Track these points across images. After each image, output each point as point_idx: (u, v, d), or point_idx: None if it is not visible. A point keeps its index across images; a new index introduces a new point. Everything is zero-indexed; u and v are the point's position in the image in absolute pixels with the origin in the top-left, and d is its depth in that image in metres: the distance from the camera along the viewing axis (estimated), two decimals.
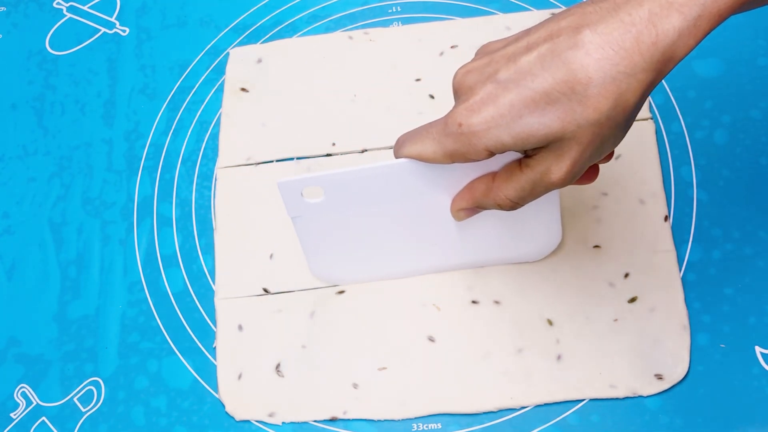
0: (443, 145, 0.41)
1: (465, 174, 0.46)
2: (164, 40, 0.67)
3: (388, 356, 0.55)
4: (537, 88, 0.38)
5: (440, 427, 0.53)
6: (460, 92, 0.41)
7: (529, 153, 0.41)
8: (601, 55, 0.37)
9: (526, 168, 0.42)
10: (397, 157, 0.45)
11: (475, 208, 0.47)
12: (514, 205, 0.44)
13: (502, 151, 0.40)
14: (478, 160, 0.41)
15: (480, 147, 0.40)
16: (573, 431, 0.52)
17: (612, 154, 0.43)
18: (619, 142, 0.40)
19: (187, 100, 0.64)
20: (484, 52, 0.42)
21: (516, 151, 0.41)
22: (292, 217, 0.50)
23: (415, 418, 0.53)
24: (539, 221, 0.52)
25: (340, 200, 0.48)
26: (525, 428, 0.52)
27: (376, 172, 0.46)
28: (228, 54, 0.65)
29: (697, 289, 0.54)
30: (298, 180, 0.46)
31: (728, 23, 0.60)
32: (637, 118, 0.58)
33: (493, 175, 0.45)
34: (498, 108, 0.39)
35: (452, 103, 0.60)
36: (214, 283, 0.58)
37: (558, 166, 0.40)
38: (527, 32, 0.40)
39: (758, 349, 0.52)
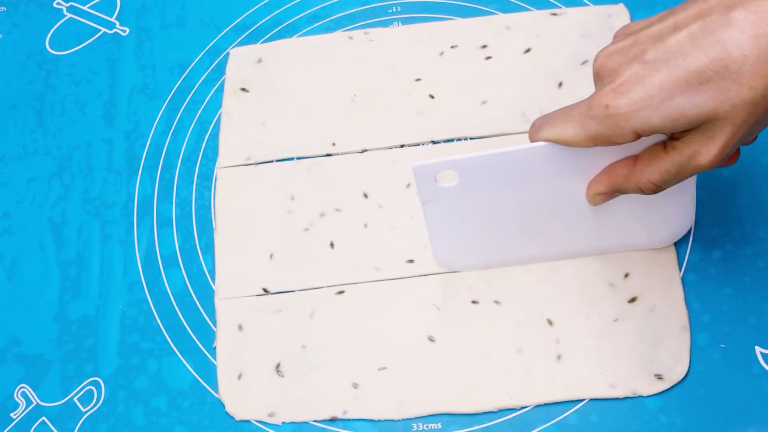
0: (587, 128, 0.41)
1: (603, 157, 0.45)
2: (164, 40, 0.67)
3: (388, 356, 0.55)
4: (689, 68, 0.37)
5: (440, 426, 0.53)
6: (603, 74, 0.40)
7: (675, 135, 0.40)
8: (756, 32, 0.36)
9: (672, 150, 0.41)
10: (533, 140, 0.44)
11: (613, 193, 0.46)
12: (656, 189, 0.43)
13: (650, 134, 0.39)
14: (622, 144, 0.40)
15: (627, 129, 0.39)
16: (573, 431, 0.52)
17: (756, 136, 0.42)
18: None
19: (187, 100, 0.64)
20: (625, 33, 0.41)
21: (663, 134, 0.41)
22: (423, 202, 0.49)
23: (415, 417, 0.53)
24: (674, 205, 0.51)
25: (474, 184, 0.48)
26: (525, 428, 0.52)
27: (513, 156, 0.45)
28: (228, 54, 0.65)
29: (697, 288, 0.54)
30: (433, 164, 0.46)
31: None
32: None
33: (633, 159, 0.44)
34: (647, 89, 0.38)
35: (451, 102, 0.61)
36: (214, 283, 0.58)
37: (708, 148, 0.39)
38: (672, 12, 0.39)
39: (758, 349, 0.52)
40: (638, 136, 0.40)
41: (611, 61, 0.40)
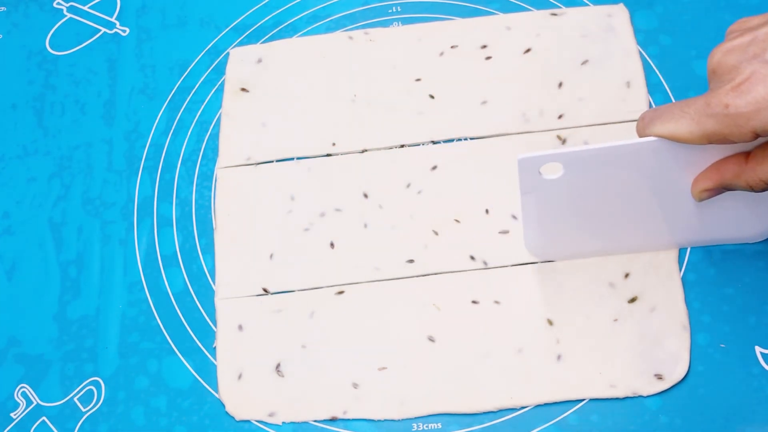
0: (703, 126, 0.40)
1: (713, 154, 0.45)
2: (164, 40, 0.67)
3: (388, 356, 0.54)
4: None
5: (440, 426, 0.53)
6: (720, 72, 0.40)
7: None
8: None
9: None
10: (643, 134, 0.44)
11: (721, 189, 0.46)
12: (767, 187, 0.43)
13: None
14: (739, 143, 0.40)
15: (747, 129, 0.38)
16: (573, 431, 0.52)
17: None
18: None
19: (188, 100, 0.64)
20: (741, 29, 0.41)
21: None
22: (523, 193, 0.49)
23: (415, 417, 0.53)
24: None
25: (578, 177, 0.47)
26: (525, 428, 0.52)
27: (621, 151, 0.45)
28: (228, 54, 0.65)
29: (697, 288, 0.54)
30: (539, 156, 0.45)
31: (728, 23, 0.60)
32: (637, 117, 0.58)
33: (745, 155, 0.43)
34: None
35: (452, 102, 0.60)
36: (214, 283, 0.58)
37: None
38: None
39: (758, 349, 0.52)
40: (757, 136, 0.39)
41: (730, 59, 0.39)
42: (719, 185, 0.45)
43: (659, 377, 0.52)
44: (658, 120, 0.42)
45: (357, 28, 0.65)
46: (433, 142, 0.60)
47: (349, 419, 0.53)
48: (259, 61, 0.64)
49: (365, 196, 0.59)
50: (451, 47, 0.63)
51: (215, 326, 0.57)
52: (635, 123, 0.57)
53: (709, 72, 0.41)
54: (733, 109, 0.38)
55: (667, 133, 0.42)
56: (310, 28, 0.66)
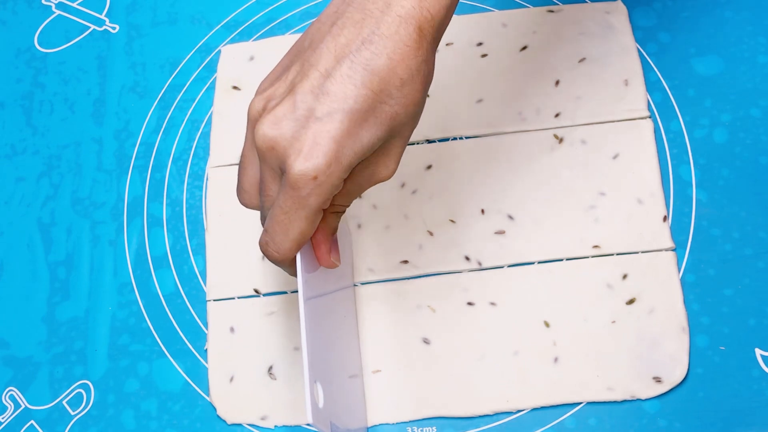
0: (311, 205, 0.40)
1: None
2: (155, 37, 0.66)
3: (382, 358, 0.54)
4: (361, 107, 0.39)
5: (435, 430, 0.53)
6: (281, 148, 0.39)
7: None
8: (401, 54, 0.39)
9: (349, 180, 0.42)
10: (280, 257, 0.43)
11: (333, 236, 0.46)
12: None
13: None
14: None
15: (339, 182, 0.40)
16: None
17: None
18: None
19: (178, 98, 0.64)
20: (270, 96, 0.41)
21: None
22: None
23: (410, 421, 0.53)
24: None
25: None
26: (521, 431, 0.52)
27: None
28: (219, 52, 0.65)
29: (697, 290, 0.54)
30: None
31: (728, 20, 0.60)
32: (635, 116, 0.58)
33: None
34: (338, 141, 0.39)
35: (447, 100, 0.60)
36: (205, 285, 0.58)
37: (386, 165, 0.42)
38: (301, 63, 0.40)
39: (758, 352, 0.52)
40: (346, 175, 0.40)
41: (285, 130, 0.39)
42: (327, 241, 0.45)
43: (658, 380, 0.51)
44: (281, 234, 0.41)
45: None
46: (428, 141, 0.60)
47: None
48: (251, 58, 0.64)
49: (359, 195, 0.58)
50: (447, 44, 0.63)
51: (206, 328, 0.56)
52: (633, 122, 0.58)
53: (266, 150, 0.40)
54: (324, 177, 0.39)
55: (299, 235, 0.41)
56: (302, 26, 0.65)
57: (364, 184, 0.42)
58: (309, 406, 0.41)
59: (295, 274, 0.44)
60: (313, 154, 0.38)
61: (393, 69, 0.39)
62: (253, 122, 0.42)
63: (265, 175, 0.41)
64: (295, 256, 0.43)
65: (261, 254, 0.57)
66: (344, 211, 0.45)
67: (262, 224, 0.43)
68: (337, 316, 0.51)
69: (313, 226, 0.41)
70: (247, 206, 0.45)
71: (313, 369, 0.42)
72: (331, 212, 0.44)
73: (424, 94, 0.41)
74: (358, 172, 0.42)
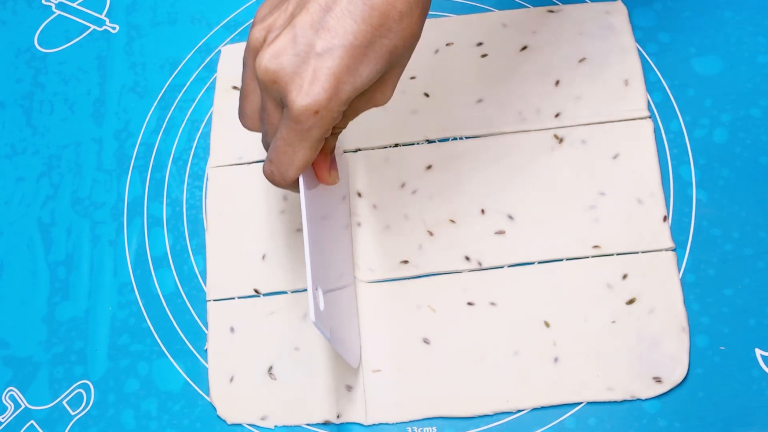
0: (312, 137, 0.42)
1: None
2: (155, 37, 0.66)
3: (382, 358, 0.54)
4: (361, 42, 0.40)
5: (435, 430, 0.53)
6: (282, 81, 0.41)
7: None
8: None
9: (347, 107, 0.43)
10: (284, 184, 0.45)
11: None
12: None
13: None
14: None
15: (338, 113, 0.41)
16: None
17: None
18: None
19: (178, 98, 0.64)
20: (270, 26, 0.42)
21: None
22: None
23: (410, 421, 0.53)
24: None
25: None
26: (521, 431, 0.52)
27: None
28: (219, 52, 0.65)
29: (697, 290, 0.54)
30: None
31: (728, 20, 0.60)
32: (635, 116, 0.58)
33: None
34: (337, 75, 0.40)
35: (447, 101, 0.60)
36: (205, 285, 0.58)
37: (383, 93, 0.44)
38: None
39: (758, 352, 0.52)
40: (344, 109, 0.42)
41: (286, 65, 0.40)
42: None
43: (658, 380, 0.51)
44: (285, 163, 0.43)
45: None
46: (428, 141, 0.60)
47: (342, 423, 0.53)
48: None
49: (359, 195, 0.58)
50: (447, 45, 0.62)
51: (206, 328, 0.56)
52: (633, 122, 0.58)
53: (268, 83, 0.41)
54: (324, 111, 0.40)
55: (303, 162, 0.43)
56: None
57: (360, 108, 0.44)
58: (311, 307, 0.43)
59: (297, 191, 0.46)
60: (313, 89, 0.40)
61: (392, 3, 0.39)
62: (253, 52, 0.43)
63: (267, 104, 0.43)
64: (298, 178, 0.45)
65: (261, 254, 0.57)
66: (340, 132, 0.47)
67: (264, 146, 0.45)
68: (335, 228, 0.54)
69: (314, 154, 0.43)
70: (249, 129, 0.47)
71: (315, 274, 0.45)
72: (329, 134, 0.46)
73: (422, 26, 0.42)
74: (356, 100, 0.43)
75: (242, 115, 0.47)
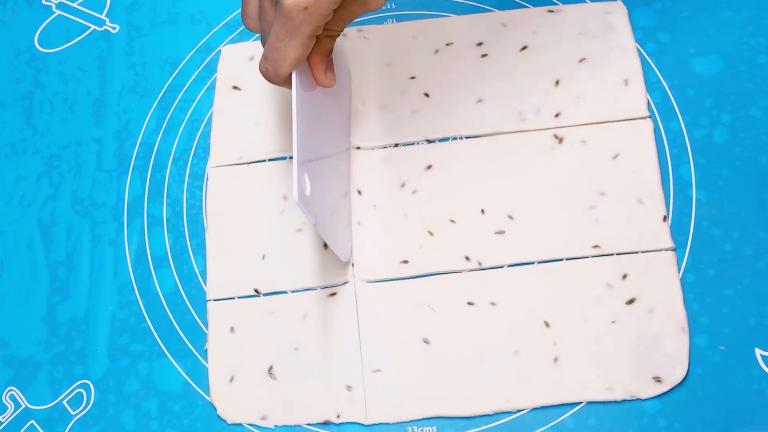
0: (305, 31, 0.44)
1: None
2: (155, 37, 0.66)
3: (382, 358, 0.54)
4: None
5: (435, 430, 0.53)
6: None
7: None
8: None
9: (341, 8, 0.46)
10: (279, 80, 0.47)
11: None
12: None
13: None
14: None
15: (328, 11, 0.44)
16: None
17: None
18: None
19: (178, 98, 0.64)
20: None
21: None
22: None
23: (410, 421, 0.53)
24: None
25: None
26: (522, 431, 0.52)
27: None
28: (219, 51, 0.65)
29: (696, 290, 0.54)
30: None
31: (728, 20, 0.60)
32: (635, 116, 0.58)
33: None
34: None
35: (447, 100, 0.60)
36: (205, 285, 0.57)
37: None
38: None
39: (758, 351, 0.52)
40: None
41: None
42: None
43: (658, 380, 0.51)
44: (278, 59, 0.46)
45: (351, 25, 0.65)
46: (428, 141, 0.60)
47: (342, 423, 0.53)
48: (251, 58, 0.64)
49: (359, 192, 0.58)
50: (447, 45, 0.62)
51: (206, 328, 0.56)
52: (633, 122, 0.58)
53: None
54: (314, 8, 0.43)
55: (295, 58, 0.45)
56: None
57: (355, 11, 0.46)
58: (295, 187, 0.45)
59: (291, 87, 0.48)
60: None
61: None
62: None
63: (263, 2, 0.46)
64: (291, 74, 0.47)
65: (261, 254, 0.57)
66: (338, 35, 0.49)
67: (262, 45, 0.47)
68: (332, 133, 0.55)
69: (306, 51, 0.45)
70: (251, 30, 0.50)
71: (302, 155, 0.47)
72: (324, 36, 0.48)
73: None
74: (350, 2, 0.45)
75: (244, 17, 0.49)
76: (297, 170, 0.46)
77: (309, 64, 0.49)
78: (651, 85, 0.60)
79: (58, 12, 0.68)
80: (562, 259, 0.55)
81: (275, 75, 0.46)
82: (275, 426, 0.54)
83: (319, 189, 0.50)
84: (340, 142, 0.58)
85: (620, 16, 0.62)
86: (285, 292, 0.57)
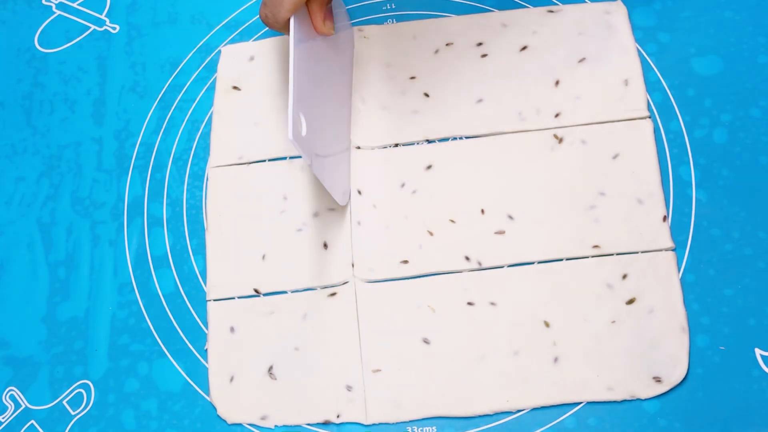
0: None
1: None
2: (155, 37, 0.66)
3: (382, 358, 0.54)
4: None
5: (435, 430, 0.53)
6: None
7: None
8: None
9: None
10: (279, 23, 0.50)
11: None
12: None
13: None
14: None
15: None
16: None
17: None
18: None
19: (178, 98, 0.64)
20: None
21: None
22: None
23: (410, 421, 0.53)
24: None
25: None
26: (521, 431, 0.52)
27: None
28: (219, 52, 0.65)
29: (696, 290, 0.54)
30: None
31: (728, 21, 0.60)
32: (635, 116, 0.58)
33: None
34: None
35: (447, 101, 0.60)
36: (205, 285, 0.57)
37: None
38: None
39: (758, 351, 0.52)
40: None
41: None
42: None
43: (658, 380, 0.51)
44: (277, 5, 0.49)
45: (351, 25, 0.65)
46: (428, 141, 0.60)
47: (342, 423, 0.53)
48: (252, 59, 0.64)
49: (359, 192, 0.58)
50: (447, 45, 0.62)
51: (206, 328, 0.56)
52: (633, 122, 0.58)
53: None
54: None
55: (292, 4, 0.48)
56: None
57: None
58: (290, 125, 0.47)
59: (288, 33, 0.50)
60: None
61: None
62: None
63: None
64: (289, 20, 0.50)
65: (261, 254, 0.57)
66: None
67: None
68: (333, 88, 0.57)
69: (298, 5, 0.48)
70: None
71: (297, 93, 0.48)
72: None
73: None
74: None
75: None
76: (292, 108, 0.47)
77: (308, 12, 0.51)
78: (651, 85, 0.60)
79: (58, 12, 0.69)
80: (562, 259, 0.55)
81: (274, 20, 0.48)
82: (275, 426, 0.53)
83: (318, 134, 0.52)
84: (341, 98, 0.59)
85: (620, 16, 0.62)
86: (285, 292, 0.57)
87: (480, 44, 0.62)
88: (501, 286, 0.55)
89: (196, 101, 0.64)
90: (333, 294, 0.56)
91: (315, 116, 0.51)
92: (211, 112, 0.63)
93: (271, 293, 0.57)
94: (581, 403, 0.52)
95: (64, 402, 0.56)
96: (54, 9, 0.69)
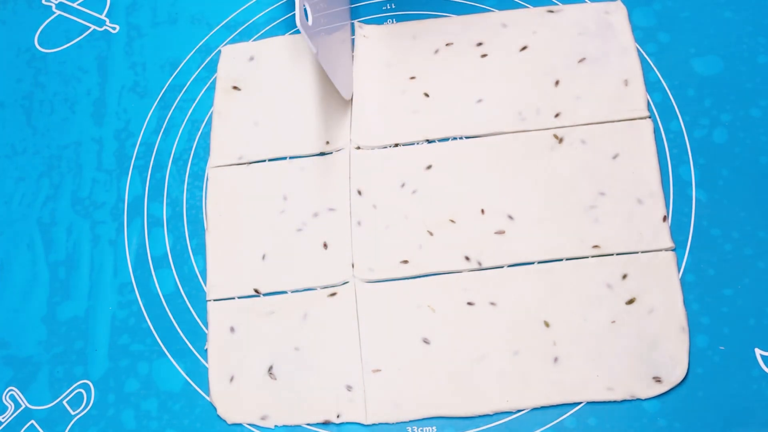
0: None
1: None
2: (155, 37, 0.66)
3: (382, 358, 0.54)
4: None
5: (435, 430, 0.53)
6: None
7: None
8: None
9: None
10: None
11: None
12: None
13: None
14: None
15: None
16: None
17: None
18: None
19: (179, 98, 0.64)
20: None
21: None
22: None
23: (410, 421, 0.53)
24: None
25: None
26: (521, 431, 0.52)
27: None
28: (219, 51, 0.65)
29: (696, 290, 0.54)
30: None
31: (728, 21, 0.60)
32: (635, 116, 0.58)
33: None
34: None
35: (447, 101, 0.60)
36: (205, 285, 0.57)
37: None
38: None
39: (758, 351, 0.52)
40: None
41: None
42: None
43: (657, 380, 0.51)
44: None
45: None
46: (428, 141, 0.60)
47: (342, 423, 0.53)
48: (251, 59, 0.64)
49: (359, 193, 0.58)
50: (447, 45, 0.62)
51: (206, 328, 0.56)
52: (633, 122, 0.58)
53: None
54: None
55: None
56: None
57: None
58: (298, 12, 0.48)
59: None
60: None
61: None
62: None
63: None
64: None
65: (261, 254, 0.57)
66: None
67: None
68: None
69: None
70: None
71: None
72: None
73: None
74: None
75: None
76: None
77: None
78: (651, 85, 0.59)
79: (58, 12, 0.69)
80: (562, 259, 0.55)
81: None
82: (275, 426, 0.53)
83: (321, 27, 0.54)
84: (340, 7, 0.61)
85: (620, 16, 0.62)
86: (285, 292, 0.57)
87: (480, 44, 0.62)
88: (501, 286, 0.55)
89: (196, 101, 0.64)
90: (333, 294, 0.56)
91: (318, 8, 0.53)
92: (211, 112, 0.63)
93: (271, 293, 0.57)
94: (581, 403, 0.52)
95: (64, 402, 0.56)
96: (54, 9, 0.69)
